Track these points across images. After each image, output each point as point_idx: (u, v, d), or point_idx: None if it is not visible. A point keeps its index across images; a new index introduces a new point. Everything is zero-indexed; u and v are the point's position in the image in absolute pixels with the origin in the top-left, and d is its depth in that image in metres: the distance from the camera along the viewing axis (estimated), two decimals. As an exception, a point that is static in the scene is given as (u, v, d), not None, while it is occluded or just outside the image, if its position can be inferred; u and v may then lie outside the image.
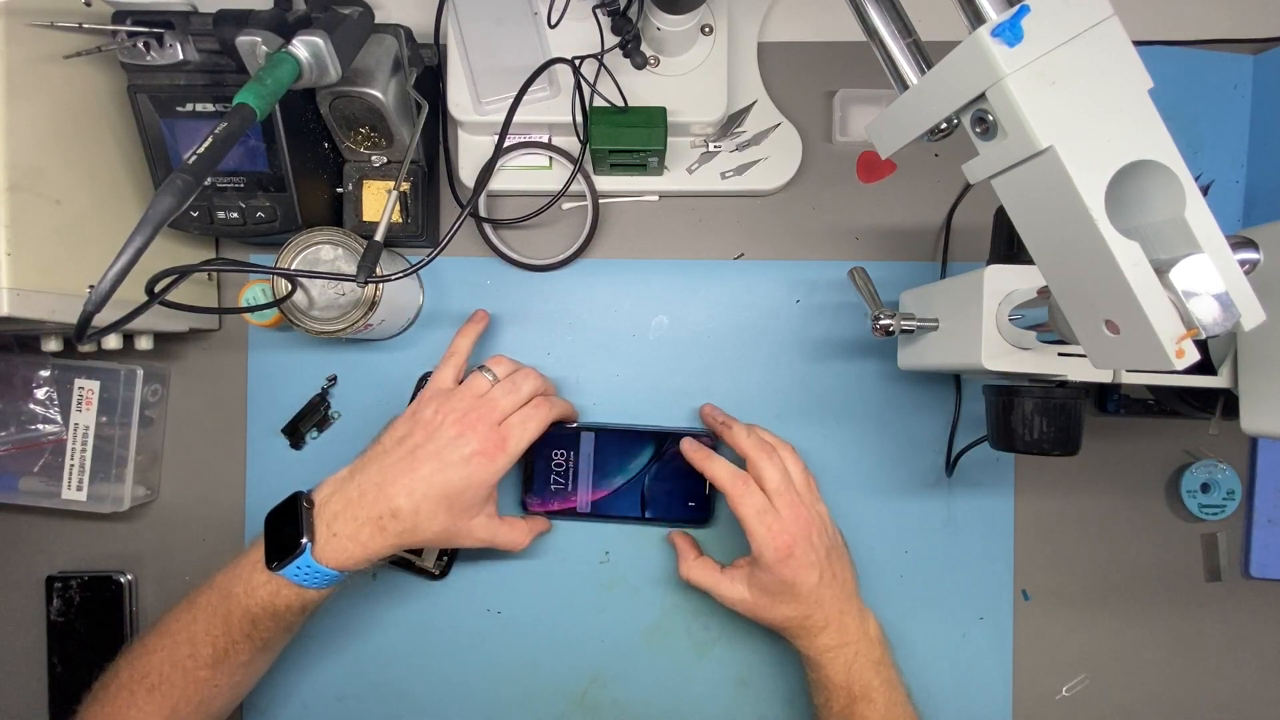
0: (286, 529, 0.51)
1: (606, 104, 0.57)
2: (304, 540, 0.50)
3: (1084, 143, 0.30)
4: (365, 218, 0.58)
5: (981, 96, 0.31)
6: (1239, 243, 0.32)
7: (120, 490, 0.60)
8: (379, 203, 0.58)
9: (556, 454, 0.62)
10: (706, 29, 0.58)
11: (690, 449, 0.58)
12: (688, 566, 0.59)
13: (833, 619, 0.54)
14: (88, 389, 0.60)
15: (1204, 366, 0.48)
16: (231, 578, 0.52)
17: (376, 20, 0.52)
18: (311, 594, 0.51)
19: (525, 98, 0.55)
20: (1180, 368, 0.30)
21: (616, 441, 0.62)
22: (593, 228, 0.62)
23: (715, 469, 0.55)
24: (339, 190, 0.59)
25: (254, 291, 0.59)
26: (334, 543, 0.50)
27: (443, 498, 0.52)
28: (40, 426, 0.60)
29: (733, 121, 0.61)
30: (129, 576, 0.64)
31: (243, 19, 0.46)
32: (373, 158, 0.58)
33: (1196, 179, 0.31)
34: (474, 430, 0.53)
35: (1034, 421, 0.47)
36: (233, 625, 0.51)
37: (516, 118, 0.55)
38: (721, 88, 0.58)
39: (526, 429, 0.55)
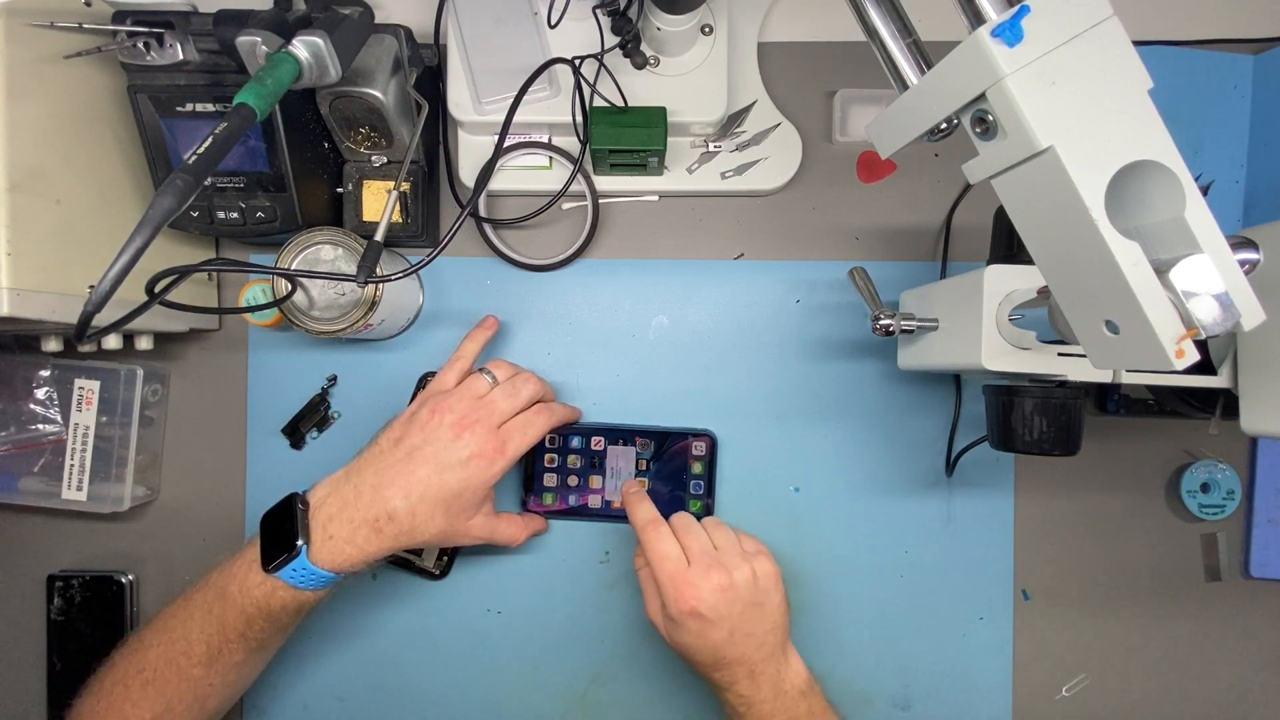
0: (282, 530, 0.51)
1: (606, 104, 0.57)
2: (299, 542, 0.50)
3: (1084, 143, 0.30)
4: (365, 218, 0.58)
5: (981, 96, 0.31)
6: (1239, 243, 0.32)
7: (120, 490, 0.60)
8: (379, 203, 0.58)
9: (556, 454, 0.62)
10: (706, 29, 0.58)
11: (626, 489, 0.59)
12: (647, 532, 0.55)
13: (741, 677, 0.51)
14: (88, 389, 0.60)
15: (1204, 366, 0.48)
16: (227, 577, 0.52)
17: (376, 20, 0.52)
18: (307, 595, 0.51)
19: (525, 98, 0.55)
20: (1180, 368, 0.30)
21: (616, 441, 0.62)
22: (593, 228, 0.62)
23: (635, 513, 0.55)
24: (339, 190, 0.59)
25: (254, 291, 0.59)
26: (330, 545, 0.50)
27: (440, 500, 0.52)
28: (40, 426, 0.60)
29: (733, 121, 0.61)
30: (130, 576, 0.64)
31: (243, 19, 0.46)
32: (373, 158, 0.58)
33: (1196, 179, 0.31)
34: (472, 432, 0.53)
35: (1034, 421, 0.47)
36: (227, 625, 0.51)
37: (516, 118, 0.55)
38: (721, 88, 0.58)
39: (527, 434, 0.55)
